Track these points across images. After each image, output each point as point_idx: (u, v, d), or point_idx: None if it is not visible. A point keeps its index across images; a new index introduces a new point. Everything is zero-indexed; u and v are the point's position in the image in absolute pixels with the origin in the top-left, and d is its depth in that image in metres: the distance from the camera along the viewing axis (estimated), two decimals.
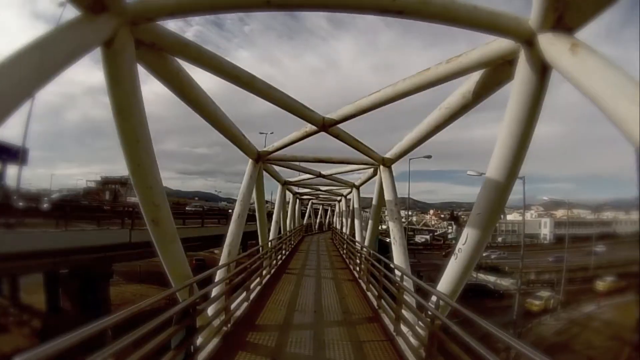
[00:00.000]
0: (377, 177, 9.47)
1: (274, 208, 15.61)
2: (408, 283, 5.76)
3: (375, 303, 6.99)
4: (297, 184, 16.47)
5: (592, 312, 27.89)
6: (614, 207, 76.10)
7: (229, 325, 5.51)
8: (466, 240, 3.88)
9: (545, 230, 70.74)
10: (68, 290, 15.73)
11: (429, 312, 3.80)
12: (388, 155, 8.13)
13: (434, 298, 4.19)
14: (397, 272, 6.41)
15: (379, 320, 6.25)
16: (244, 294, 6.88)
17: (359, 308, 7.21)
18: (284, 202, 16.77)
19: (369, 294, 8.01)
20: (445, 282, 4.16)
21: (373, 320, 6.31)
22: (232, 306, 6.09)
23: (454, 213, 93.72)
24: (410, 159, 25.50)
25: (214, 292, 6.12)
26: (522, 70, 3.23)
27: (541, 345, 21.65)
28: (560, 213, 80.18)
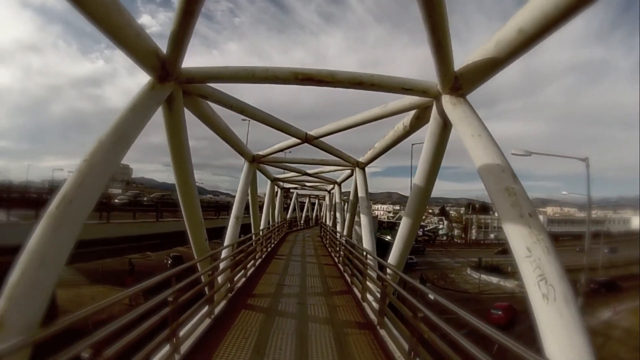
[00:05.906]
0: (430, 123, 4.97)
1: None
2: None
3: None
4: (274, 161, 11.10)
5: (610, 318, 25.22)
6: (600, 206, 75.62)
7: None
8: None
9: None
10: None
11: None
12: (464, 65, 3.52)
13: None
14: None
15: None
16: None
17: None
18: (252, 188, 11.48)
19: None
20: None
21: None
22: None
23: (444, 208, 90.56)
24: (413, 144, 21.17)
25: None
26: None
27: None
28: (550, 210, 79.39)
